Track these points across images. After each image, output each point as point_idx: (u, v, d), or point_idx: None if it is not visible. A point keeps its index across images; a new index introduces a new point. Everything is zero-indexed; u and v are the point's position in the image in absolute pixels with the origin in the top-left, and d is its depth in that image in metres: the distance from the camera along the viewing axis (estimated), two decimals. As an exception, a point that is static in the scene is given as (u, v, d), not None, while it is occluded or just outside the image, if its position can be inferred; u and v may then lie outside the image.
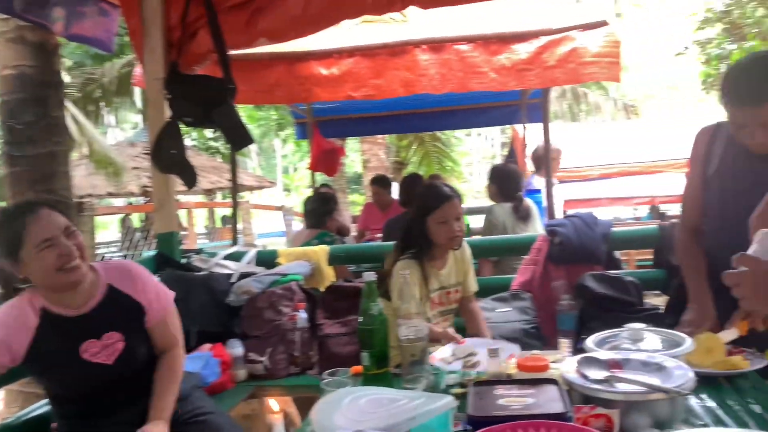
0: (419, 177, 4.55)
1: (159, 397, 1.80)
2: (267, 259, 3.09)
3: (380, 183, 5.61)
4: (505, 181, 3.81)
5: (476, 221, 4.20)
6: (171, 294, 1.93)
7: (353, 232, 6.02)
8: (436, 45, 3.03)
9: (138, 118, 16.02)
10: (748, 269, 1.11)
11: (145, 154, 9.47)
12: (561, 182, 6.98)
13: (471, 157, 29.72)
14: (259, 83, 3.33)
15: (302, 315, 2.59)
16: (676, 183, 10.24)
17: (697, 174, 1.94)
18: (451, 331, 1.99)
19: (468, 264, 2.46)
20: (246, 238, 10.21)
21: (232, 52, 2.81)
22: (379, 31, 3.41)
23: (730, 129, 1.80)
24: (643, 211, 12.53)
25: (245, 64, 3.24)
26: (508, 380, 1.33)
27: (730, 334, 1.63)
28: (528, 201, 3.82)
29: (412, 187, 4.27)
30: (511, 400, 1.19)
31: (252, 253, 3.11)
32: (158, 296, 1.87)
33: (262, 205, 15.90)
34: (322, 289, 2.88)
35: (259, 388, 2.51)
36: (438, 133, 11.97)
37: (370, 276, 1.68)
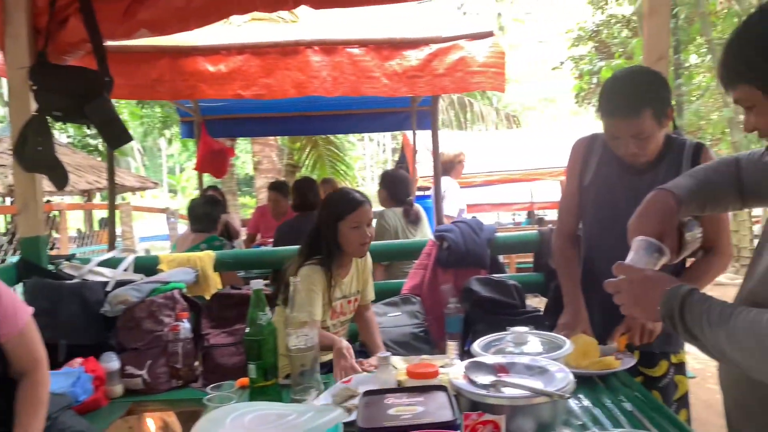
0: (313, 181, 4.49)
1: (21, 427, 1.61)
2: (147, 266, 2.90)
3: (279, 189, 5.35)
4: (395, 187, 3.87)
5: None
6: (29, 310, 1.73)
7: (243, 236, 5.83)
8: (328, 47, 2.99)
9: (5, 111, 14.62)
10: (625, 277, 1.18)
11: (11, 150, 8.64)
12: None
13: (364, 162, 30.07)
14: (140, 77, 3.13)
15: (185, 325, 2.45)
16: (552, 190, 10.99)
17: (574, 183, 2.04)
18: (351, 363, 1.89)
19: (369, 272, 2.46)
20: (126, 242, 9.59)
21: (109, 43, 2.61)
22: (269, 30, 3.32)
23: (605, 140, 1.91)
24: (522, 216, 13.30)
25: (124, 56, 3.03)
26: (399, 388, 1.32)
27: (609, 349, 1.75)
28: (417, 206, 3.91)
29: (305, 190, 4.20)
30: (401, 409, 1.17)
31: (130, 259, 2.90)
32: (14, 309, 1.67)
33: (144, 207, 15.08)
34: (207, 297, 2.75)
35: (137, 404, 2.34)
36: (331, 137, 11.94)
37: (258, 284, 1.61)
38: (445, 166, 4.76)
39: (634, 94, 1.72)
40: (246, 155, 18.78)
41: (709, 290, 1.77)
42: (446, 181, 4.69)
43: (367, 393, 1.30)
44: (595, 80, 13.10)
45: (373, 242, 2.75)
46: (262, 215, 5.60)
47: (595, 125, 1.89)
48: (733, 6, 9.22)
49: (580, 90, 14.22)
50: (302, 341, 1.59)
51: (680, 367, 2.00)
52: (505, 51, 3.06)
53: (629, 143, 1.76)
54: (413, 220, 3.81)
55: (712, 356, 1.05)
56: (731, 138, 9.53)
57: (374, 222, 3.38)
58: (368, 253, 2.42)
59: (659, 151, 1.85)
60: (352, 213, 2.18)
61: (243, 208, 17.99)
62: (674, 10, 9.29)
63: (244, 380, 1.69)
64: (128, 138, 2.61)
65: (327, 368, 2.31)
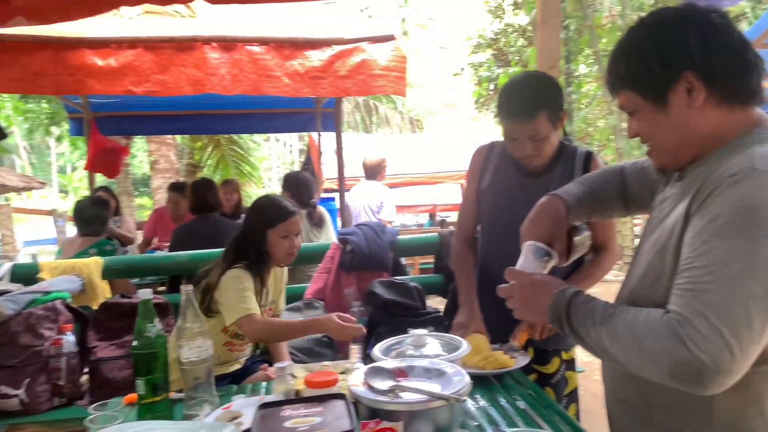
0: (211, 182, 4.31)
1: None
2: (25, 274, 2.67)
3: (180, 190, 5.04)
4: (298, 188, 3.82)
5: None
6: None
7: (138, 240, 5.52)
8: (226, 44, 2.89)
9: None
10: (515, 282, 1.21)
11: None
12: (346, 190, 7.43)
13: (270, 162, 29.59)
14: (18, 70, 2.90)
15: (69, 338, 2.27)
16: (454, 193, 11.31)
17: (472, 188, 2.11)
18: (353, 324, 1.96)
19: (284, 283, 2.42)
20: (5, 247, 8.84)
21: (-21, 30, 2.39)
22: (164, 24, 3.17)
23: (503, 146, 1.97)
24: (424, 218, 13.59)
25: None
26: (296, 399, 1.28)
27: (510, 348, 1.80)
28: (321, 208, 3.88)
29: (203, 192, 4.03)
30: (299, 421, 1.14)
31: (6, 267, 2.67)
32: None
33: (28, 209, 13.99)
34: (95, 306, 2.58)
35: (13, 427, 2.14)
36: (235, 137, 11.61)
37: (146, 293, 1.51)
38: (372, 171, 5.11)
39: (530, 97, 1.79)
40: (143, 154, 17.84)
41: (594, 286, 1.88)
42: (381, 188, 5.06)
43: (264, 405, 1.25)
44: (493, 87, 13.57)
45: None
46: (160, 218, 5.32)
47: (495, 131, 1.95)
48: (617, 20, 9.89)
49: (480, 96, 14.70)
50: (195, 353, 1.51)
51: (570, 364, 2.10)
52: (407, 56, 3.09)
53: (526, 145, 1.83)
54: (317, 222, 3.77)
55: (597, 355, 1.10)
56: (615, 144, 10.21)
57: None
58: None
59: (553, 156, 1.94)
60: (283, 222, 2.15)
61: (140, 210, 17.11)
62: (565, 22, 9.83)
63: (133, 396, 1.58)
64: (2, 135, 2.39)
65: (229, 379, 2.23)
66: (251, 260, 2.14)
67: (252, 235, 2.17)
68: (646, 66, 1.05)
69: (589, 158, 1.96)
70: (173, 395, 1.62)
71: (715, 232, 0.93)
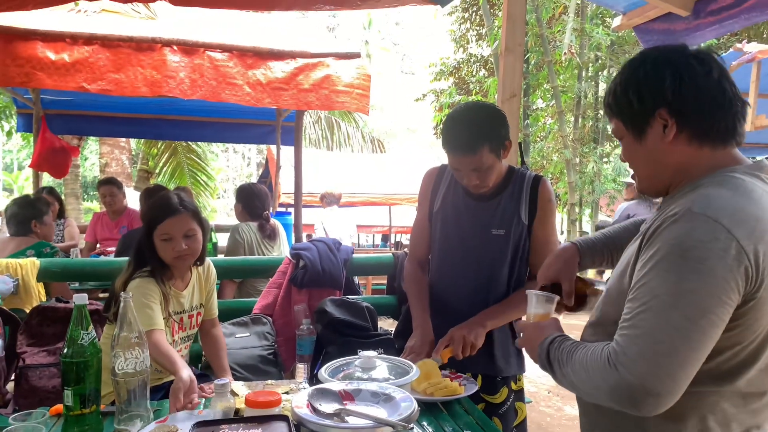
0: (164, 188, 4.17)
1: None
2: (-47, 273, 2.50)
3: (113, 183, 4.99)
4: (250, 200, 3.73)
5: (225, 239, 4.07)
6: None
7: (81, 245, 5.30)
8: (188, 48, 2.83)
9: None
10: (525, 332, 1.33)
11: None
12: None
13: (227, 174, 29.26)
14: (-40, 57, 2.74)
15: (-5, 342, 2.14)
16: (410, 215, 11.37)
17: (424, 211, 2.10)
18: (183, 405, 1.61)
19: (212, 284, 2.29)
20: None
21: None
22: (123, 24, 3.07)
23: None
24: (377, 239, 13.59)
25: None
26: (235, 419, 1.22)
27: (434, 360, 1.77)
28: (275, 221, 3.80)
29: (154, 199, 3.90)
30: (236, 442, 1.07)
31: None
32: None
33: (-37, 207, 13.28)
34: (27, 310, 2.43)
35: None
36: (193, 146, 11.38)
37: (82, 299, 1.42)
38: (336, 200, 6.50)
39: (471, 131, 1.79)
40: (96, 156, 17.27)
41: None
42: (348, 214, 6.34)
43: (201, 423, 1.18)
44: (454, 114, 13.76)
45: (225, 257, 2.61)
46: (100, 221, 5.13)
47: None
48: (575, 58, 10.20)
49: (440, 122, 14.89)
50: (131, 364, 1.42)
51: (519, 394, 2.08)
52: (371, 73, 3.08)
53: (471, 175, 1.84)
54: (269, 235, 3.68)
55: (574, 391, 1.18)
56: (568, 178, 10.45)
57: (202, 233, 3.15)
58: (210, 262, 2.26)
59: (502, 180, 1.95)
60: (162, 223, 1.99)
61: (87, 214, 16.52)
62: (526, 55, 10.10)
63: (59, 407, 1.48)
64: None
65: (163, 392, 2.11)
66: (152, 266, 2.01)
67: (143, 240, 2.03)
68: (627, 100, 1.15)
69: (537, 182, 1.96)
70: (104, 408, 1.53)
71: (653, 266, 1.03)
